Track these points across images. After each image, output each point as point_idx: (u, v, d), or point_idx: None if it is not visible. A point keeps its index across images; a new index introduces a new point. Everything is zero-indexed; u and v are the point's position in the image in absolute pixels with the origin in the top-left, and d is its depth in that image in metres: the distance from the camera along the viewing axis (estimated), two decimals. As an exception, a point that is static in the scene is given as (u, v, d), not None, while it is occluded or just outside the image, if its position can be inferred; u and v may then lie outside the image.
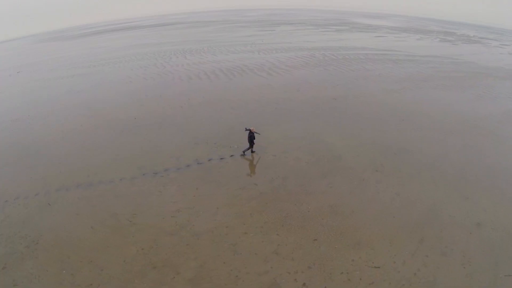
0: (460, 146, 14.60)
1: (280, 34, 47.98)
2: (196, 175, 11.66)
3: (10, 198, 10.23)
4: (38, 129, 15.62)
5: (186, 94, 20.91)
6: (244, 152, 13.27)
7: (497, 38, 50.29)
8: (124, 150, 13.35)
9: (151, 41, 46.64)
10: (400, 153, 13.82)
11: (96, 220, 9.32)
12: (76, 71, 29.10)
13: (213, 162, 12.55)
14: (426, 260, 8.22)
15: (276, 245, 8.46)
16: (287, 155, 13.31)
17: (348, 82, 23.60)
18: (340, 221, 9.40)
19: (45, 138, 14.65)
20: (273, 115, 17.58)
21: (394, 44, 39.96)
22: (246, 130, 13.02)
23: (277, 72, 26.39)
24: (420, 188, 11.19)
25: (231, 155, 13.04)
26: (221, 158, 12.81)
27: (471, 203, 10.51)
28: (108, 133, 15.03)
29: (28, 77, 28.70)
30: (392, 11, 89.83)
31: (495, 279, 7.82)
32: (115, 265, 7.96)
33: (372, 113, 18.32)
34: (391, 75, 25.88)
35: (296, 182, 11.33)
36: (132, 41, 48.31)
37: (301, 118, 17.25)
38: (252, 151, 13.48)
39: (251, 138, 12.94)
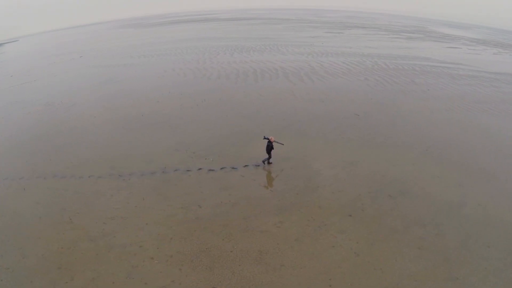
0: (486, 197, 11.03)
1: (345, 38, 45.26)
2: (153, 184, 11.74)
3: (1, 178, 12.27)
4: (60, 116, 18.13)
5: (205, 94, 21.23)
6: (263, 162, 12.92)
7: None
8: (111, 148, 14.38)
9: (213, 35, 49.14)
10: (398, 196, 11.06)
11: (46, 212, 10.36)
12: (127, 61, 32.65)
13: (177, 172, 12.41)
14: None
15: (170, 281, 7.84)
16: (257, 177, 12.16)
17: (384, 96, 20.09)
18: (258, 273, 8.05)
19: (60, 126, 16.90)
20: (275, 127, 16.24)
21: (464, 57, 33.92)
22: (265, 138, 12.43)
23: (311, 78, 24.35)
24: (394, 252, 8.70)
25: (199, 168, 12.65)
26: (187, 170, 12.54)
27: (455, 289, 7.62)
28: (110, 128, 16.39)
29: (85, 63, 33.42)
30: (481, 22, 75.04)
31: None
32: (34, 257, 8.71)
33: (393, 137, 15.32)
34: (441, 92, 21.59)
35: (243, 213, 10.23)
36: (197, 33, 51.87)
37: (303, 135, 15.50)
38: (269, 162, 12.93)
39: (269, 148, 12.40)
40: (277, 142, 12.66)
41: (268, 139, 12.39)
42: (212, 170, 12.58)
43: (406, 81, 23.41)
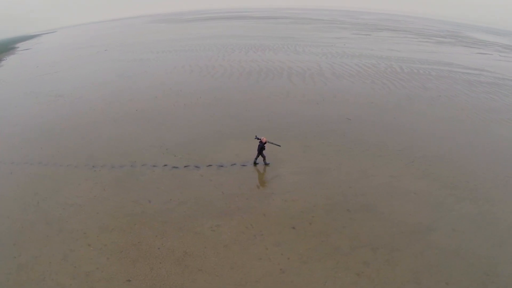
0: (467, 223, 10.00)
1: (370, 40, 44.79)
2: (118, 176, 12.54)
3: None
4: (63, 108, 19.98)
5: (202, 93, 21.84)
6: (254, 161, 13.09)
7: None
8: (96, 139, 15.56)
9: (238, 33, 50.14)
10: (358, 211, 10.47)
11: (21, 194, 11.71)
12: (146, 55, 34.82)
13: (144, 167, 13.09)
14: None
15: (95, 268, 8.47)
16: (214, 178, 12.32)
17: (386, 100, 19.04)
18: (173, 273, 8.28)
19: (60, 117, 18.56)
20: (257, 128, 16.07)
21: (491, 63, 31.86)
22: (256, 138, 12.64)
23: (314, 80, 23.99)
24: (327, 275, 8.17)
25: (165, 165, 13.20)
26: (154, 166, 13.18)
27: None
28: (103, 121, 17.62)
29: (107, 57, 36.24)
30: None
31: None
32: (-2, 233, 10.13)
33: (379, 145, 14.70)
34: (451, 99, 20.15)
35: (186, 212, 10.52)
36: (224, 31, 53.44)
37: (281, 137, 15.12)
38: (265, 163, 13.01)
39: (261, 148, 12.59)
40: (272, 143, 12.70)
41: (260, 139, 12.46)
42: (176, 167, 13.07)
43: (416, 86, 21.96)
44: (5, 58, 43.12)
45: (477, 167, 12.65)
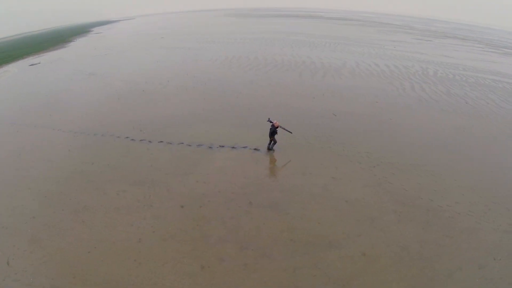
0: (399, 243, 8.86)
1: (428, 45, 43.52)
2: (86, 142, 14.94)
3: (11, 122, 18.12)
4: (89, 84, 24.24)
5: (209, 80, 23.86)
6: (268, 148, 13.39)
7: None
8: (94, 112, 18.63)
9: (294, 30, 52.07)
10: (260, 206, 10.38)
11: (13, 148, 14.94)
12: (192, 45, 38.95)
13: (111, 137, 15.27)
14: None
15: (20, 205, 10.83)
16: (155, 153, 13.76)
17: (393, 102, 18.01)
18: (67, 219, 9.95)
19: (80, 91, 22.67)
20: (235, 114, 17.04)
21: None
22: (269, 121, 12.86)
23: (325, 76, 23.85)
24: (167, 258, 8.35)
25: (126, 137, 15.15)
26: (118, 137, 15.33)
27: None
28: (111, 97, 20.88)
29: (159, 43, 41.32)
30: None
31: None
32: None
33: (345, 144, 13.98)
34: (476, 107, 17.81)
35: (112, 176, 12.17)
36: (282, 27, 55.81)
37: (245, 125, 15.50)
38: (272, 148, 13.29)
39: (272, 132, 12.82)
40: (283, 129, 12.86)
41: (272, 123, 12.64)
42: (133, 140, 14.97)
43: (439, 91, 19.92)
44: (74, 40, 53.64)
45: (456, 185, 10.50)
